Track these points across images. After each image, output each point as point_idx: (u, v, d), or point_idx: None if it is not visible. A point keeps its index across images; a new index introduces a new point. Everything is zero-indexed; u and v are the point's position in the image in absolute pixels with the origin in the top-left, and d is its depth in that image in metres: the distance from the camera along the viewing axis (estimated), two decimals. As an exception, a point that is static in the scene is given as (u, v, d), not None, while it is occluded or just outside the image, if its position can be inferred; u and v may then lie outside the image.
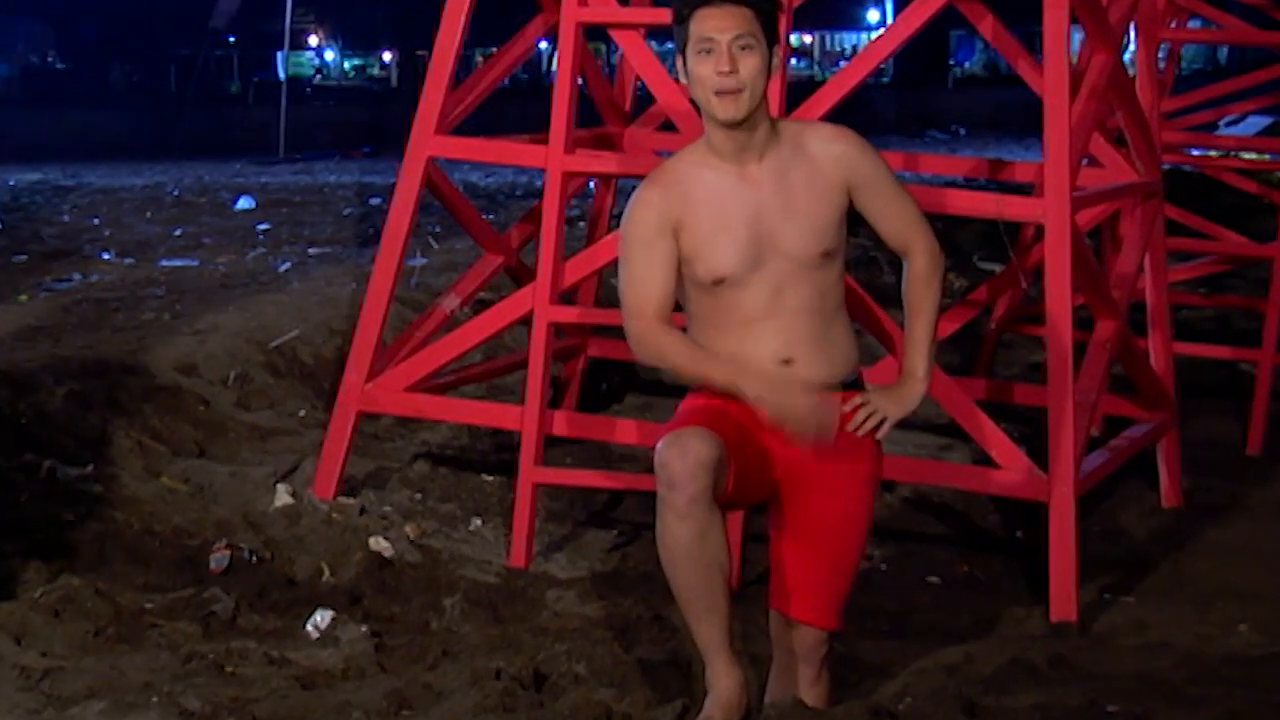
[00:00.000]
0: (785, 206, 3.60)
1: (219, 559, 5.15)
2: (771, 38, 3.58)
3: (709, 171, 3.63)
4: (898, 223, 3.73)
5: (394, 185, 5.68)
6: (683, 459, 3.45)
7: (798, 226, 3.60)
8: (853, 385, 3.75)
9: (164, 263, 9.63)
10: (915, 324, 3.78)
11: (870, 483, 3.78)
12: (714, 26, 3.52)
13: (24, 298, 8.32)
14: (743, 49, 3.52)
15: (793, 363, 3.64)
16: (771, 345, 3.64)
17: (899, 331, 5.21)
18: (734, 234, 3.60)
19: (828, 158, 3.64)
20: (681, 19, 3.58)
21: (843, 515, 3.70)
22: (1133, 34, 6.03)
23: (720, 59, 3.51)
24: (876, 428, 3.71)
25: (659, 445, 3.51)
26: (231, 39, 36.04)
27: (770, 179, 3.61)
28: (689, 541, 3.48)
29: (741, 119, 3.54)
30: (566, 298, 5.81)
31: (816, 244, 3.62)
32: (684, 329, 3.73)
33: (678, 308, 3.70)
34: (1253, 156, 9.56)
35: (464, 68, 5.42)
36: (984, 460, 5.33)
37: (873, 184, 3.68)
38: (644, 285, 3.63)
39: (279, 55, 30.63)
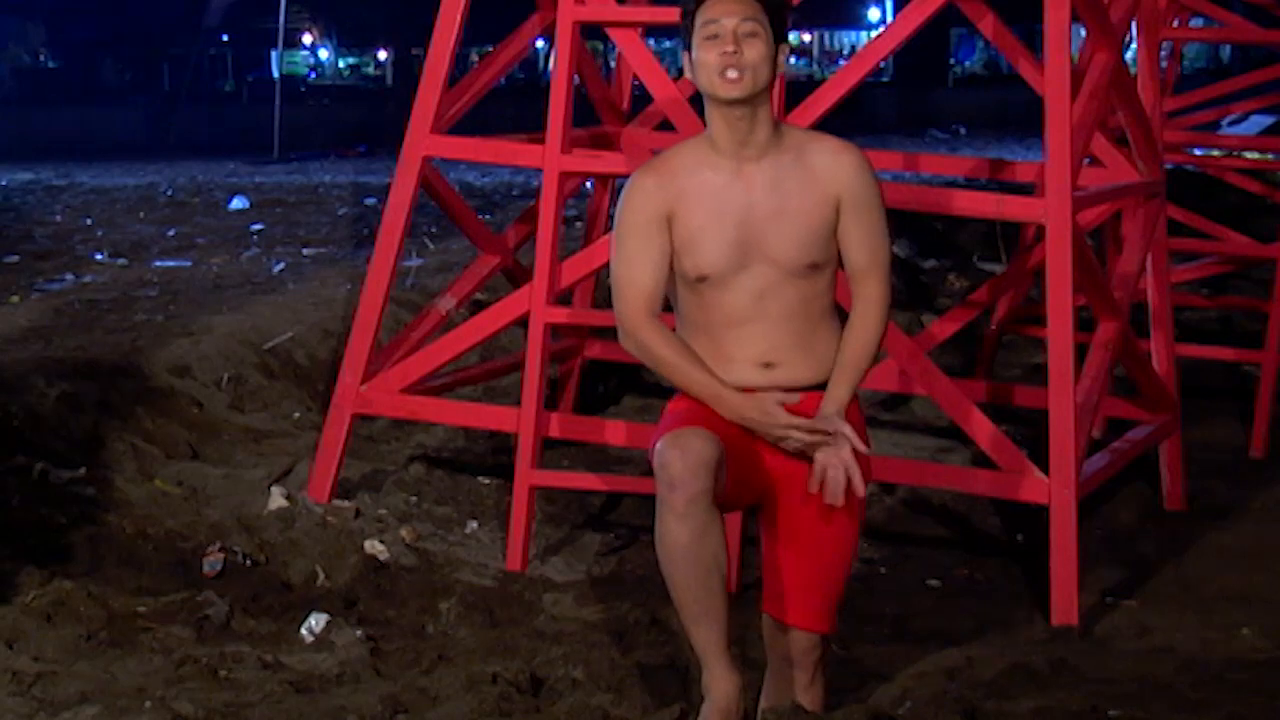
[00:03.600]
0: (776, 212, 3.59)
1: (212, 562, 5.12)
2: (779, 34, 3.61)
3: (706, 167, 3.64)
4: (863, 255, 3.67)
5: (389, 185, 5.65)
6: (684, 458, 3.43)
7: (786, 234, 3.59)
8: None
9: (157, 263, 9.61)
10: (836, 367, 3.66)
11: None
12: (720, 11, 3.57)
13: (15, 298, 8.29)
14: (748, 35, 3.56)
15: (775, 366, 3.64)
16: (754, 349, 3.64)
17: (899, 333, 5.19)
18: (722, 232, 3.60)
19: (826, 169, 3.63)
20: (688, 12, 3.63)
21: (832, 518, 3.67)
22: (1134, 32, 6.00)
23: (725, 40, 3.55)
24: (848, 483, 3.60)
25: (659, 445, 3.49)
26: (225, 37, 35.99)
27: (765, 182, 3.61)
28: (688, 542, 3.46)
29: (744, 98, 3.54)
30: (564, 299, 5.78)
31: (804, 254, 3.61)
32: (673, 329, 3.70)
33: (667, 307, 3.69)
34: (1255, 156, 9.54)
35: (460, 66, 5.38)
36: (984, 462, 5.31)
37: (858, 206, 3.64)
38: (636, 274, 3.64)
39: (273, 54, 30.63)
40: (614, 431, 5.80)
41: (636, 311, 3.64)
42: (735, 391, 3.60)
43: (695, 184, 3.62)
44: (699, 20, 3.58)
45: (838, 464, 3.56)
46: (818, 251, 3.63)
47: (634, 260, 3.65)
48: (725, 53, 3.53)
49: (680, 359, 3.63)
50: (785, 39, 3.66)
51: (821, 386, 3.67)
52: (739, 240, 3.60)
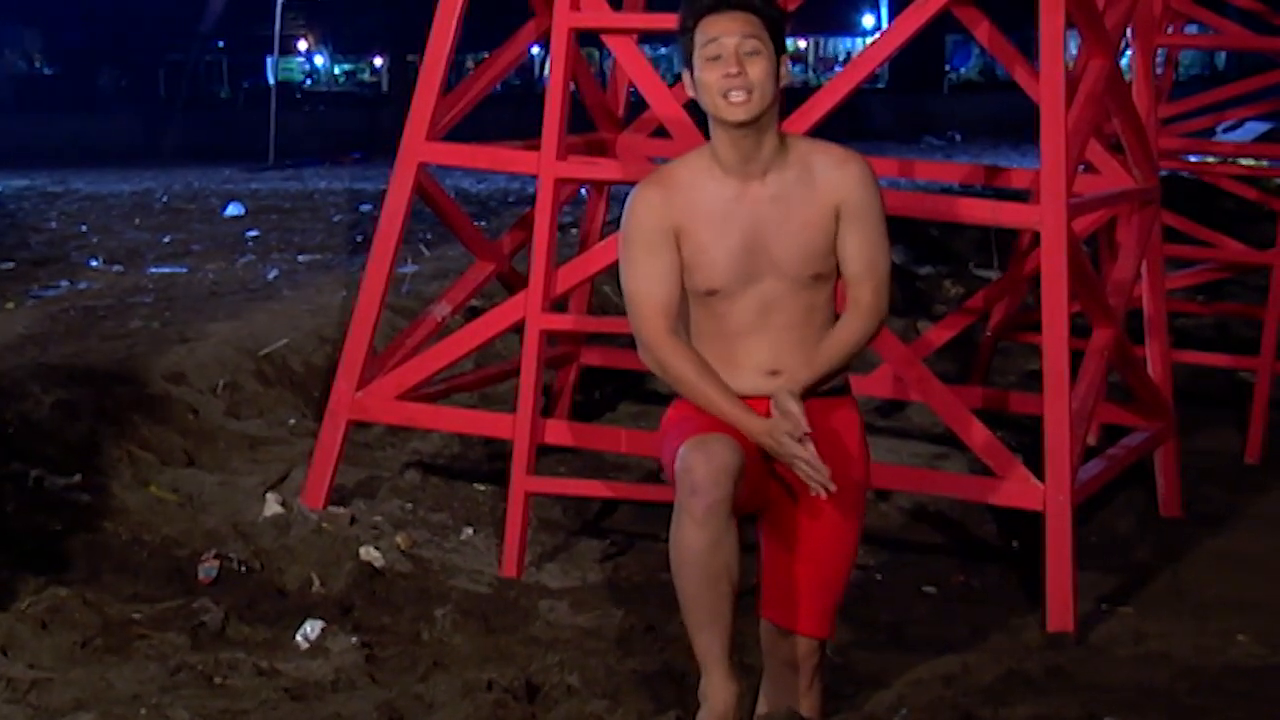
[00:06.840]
0: (782, 226, 3.59)
1: (208, 569, 5.12)
2: (779, 46, 3.57)
3: (711, 182, 3.61)
4: (859, 264, 3.65)
5: (385, 191, 5.65)
6: (709, 464, 3.42)
7: (792, 246, 3.59)
8: (840, 391, 3.73)
9: (152, 270, 9.60)
10: (818, 352, 3.64)
11: (860, 491, 3.77)
12: (720, 30, 3.52)
13: (11, 305, 8.28)
14: (750, 53, 3.52)
15: (780, 374, 3.63)
16: (759, 357, 3.65)
17: (894, 340, 5.18)
18: (729, 247, 3.59)
19: (829, 180, 3.61)
20: (686, 29, 3.58)
21: (833, 524, 3.67)
22: (1129, 38, 6.00)
23: (728, 62, 3.50)
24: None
25: (682, 449, 3.47)
26: (220, 44, 35.99)
27: (770, 196, 3.59)
28: (702, 548, 3.45)
29: (750, 120, 3.52)
30: (559, 305, 5.77)
31: (808, 265, 3.61)
32: None
33: None
34: (1250, 162, 9.55)
35: (456, 73, 5.41)
36: (980, 469, 5.31)
37: (857, 215, 3.62)
38: (650, 289, 3.62)
39: (269, 60, 30.61)
40: (610, 438, 5.80)
41: (655, 328, 3.62)
42: (752, 415, 3.56)
43: (700, 199, 3.61)
44: (699, 39, 3.53)
45: (798, 461, 3.52)
46: (822, 263, 3.62)
47: (646, 274, 3.63)
48: (729, 74, 3.49)
49: (700, 378, 3.60)
50: (785, 50, 3.62)
51: (824, 393, 3.67)
52: (745, 254, 3.59)
